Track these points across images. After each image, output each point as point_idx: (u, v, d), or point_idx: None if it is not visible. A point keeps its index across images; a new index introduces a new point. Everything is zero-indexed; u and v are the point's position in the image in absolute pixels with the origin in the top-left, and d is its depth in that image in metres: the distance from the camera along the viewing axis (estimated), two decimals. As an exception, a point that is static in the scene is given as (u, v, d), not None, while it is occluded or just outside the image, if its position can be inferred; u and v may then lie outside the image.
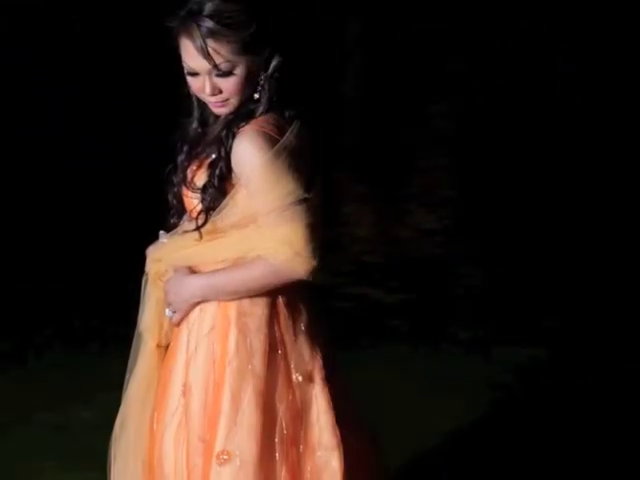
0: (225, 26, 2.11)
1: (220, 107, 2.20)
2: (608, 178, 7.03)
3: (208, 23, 2.11)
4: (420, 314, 5.05)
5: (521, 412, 4.05)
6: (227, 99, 2.18)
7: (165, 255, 2.32)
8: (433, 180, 7.22)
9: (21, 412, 3.97)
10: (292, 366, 2.27)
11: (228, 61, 2.13)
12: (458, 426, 3.86)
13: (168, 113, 2.37)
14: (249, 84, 2.18)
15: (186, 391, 2.26)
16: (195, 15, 2.12)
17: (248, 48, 2.13)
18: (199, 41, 2.11)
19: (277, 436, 2.23)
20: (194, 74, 2.17)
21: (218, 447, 2.20)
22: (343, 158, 7.40)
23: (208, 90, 2.17)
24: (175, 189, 2.31)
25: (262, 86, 2.19)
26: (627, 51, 9.64)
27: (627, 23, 10.13)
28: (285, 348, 2.27)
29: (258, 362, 2.22)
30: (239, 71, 2.15)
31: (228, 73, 2.15)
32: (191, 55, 2.14)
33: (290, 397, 2.25)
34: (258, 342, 2.23)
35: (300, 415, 2.26)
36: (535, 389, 4.27)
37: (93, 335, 4.67)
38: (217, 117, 2.25)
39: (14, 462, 3.63)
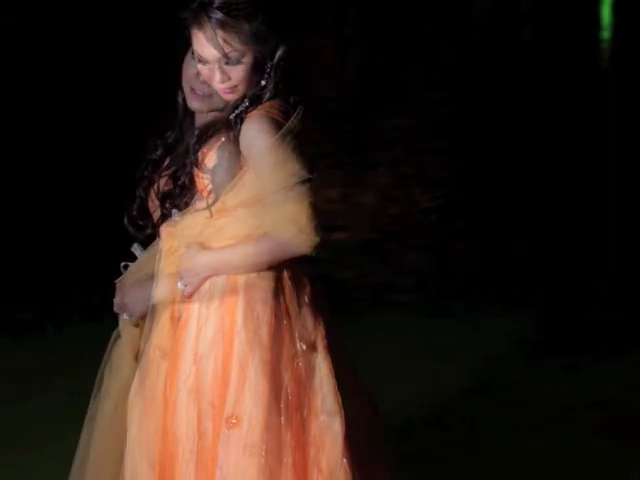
0: (234, 17, 2.21)
1: (229, 93, 2.29)
2: (600, 165, 7.09)
3: (218, 15, 2.21)
4: (417, 286, 5.13)
5: (512, 378, 4.15)
6: (235, 86, 2.27)
7: (178, 232, 2.39)
8: (429, 162, 7.32)
9: (41, 380, 4.03)
10: (296, 336, 2.33)
11: (237, 50, 2.23)
12: (454, 391, 3.94)
13: (168, 113, 2.46)
14: (256, 72, 2.27)
15: (197, 360, 2.32)
16: (206, 7, 2.22)
17: (255, 38, 2.23)
18: (209, 32, 2.21)
19: (282, 402, 2.29)
20: (205, 62, 2.26)
21: (227, 412, 2.27)
22: (344, 143, 7.46)
23: (218, 78, 2.26)
24: (187, 170, 2.39)
25: (268, 74, 2.28)
26: (626, 50, 9.64)
27: (627, 23, 10.13)
28: (290, 319, 2.34)
29: (264, 332, 2.29)
30: (247, 60, 2.25)
31: (236, 62, 2.24)
32: (202, 45, 2.24)
33: (294, 365, 2.32)
34: (264, 314, 2.30)
35: (304, 382, 2.32)
36: (524, 356, 4.37)
37: (111, 308, 4.74)
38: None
39: (34, 427, 3.70)
